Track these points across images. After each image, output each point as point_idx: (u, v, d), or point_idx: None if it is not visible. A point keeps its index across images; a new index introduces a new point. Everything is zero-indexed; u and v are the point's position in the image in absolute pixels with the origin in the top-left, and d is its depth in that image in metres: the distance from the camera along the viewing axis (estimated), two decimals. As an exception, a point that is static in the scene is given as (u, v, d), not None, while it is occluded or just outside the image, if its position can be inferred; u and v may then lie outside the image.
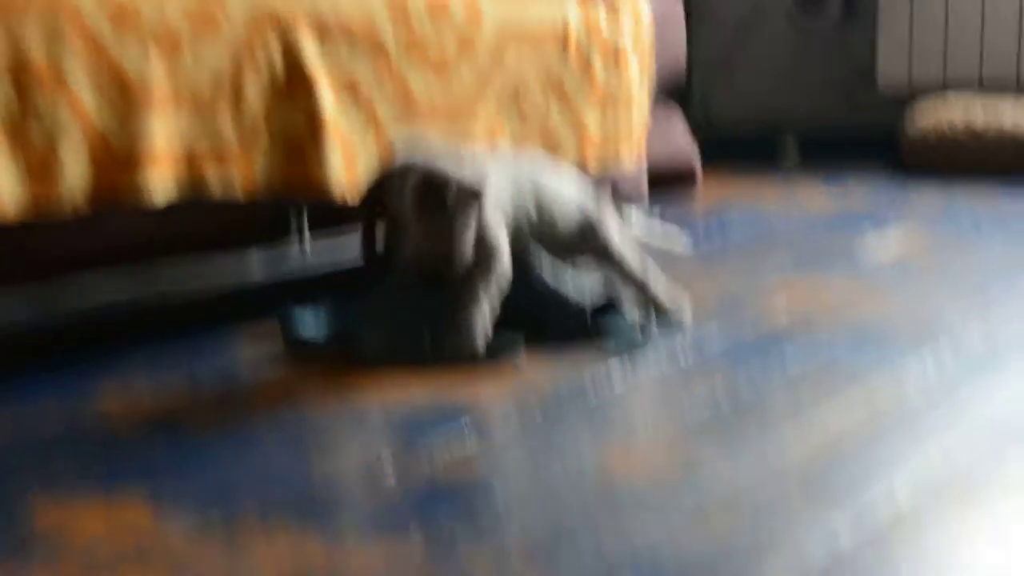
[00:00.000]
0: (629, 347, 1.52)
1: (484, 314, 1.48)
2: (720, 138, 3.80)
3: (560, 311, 1.56)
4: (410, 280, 1.51)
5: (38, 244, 1.43)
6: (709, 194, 2.96)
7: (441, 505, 1.05)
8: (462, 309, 1.48)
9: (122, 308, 1.61)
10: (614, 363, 1.45)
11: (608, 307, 1.59)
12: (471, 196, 1.44)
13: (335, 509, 1.05)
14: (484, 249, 1.49)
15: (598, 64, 2.15)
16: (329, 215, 1.81)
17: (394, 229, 1.49)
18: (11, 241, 1.41)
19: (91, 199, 1.41)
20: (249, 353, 1.57)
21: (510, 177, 1.57)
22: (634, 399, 1.33)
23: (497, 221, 1.52)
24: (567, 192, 1.65)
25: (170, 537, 0.98)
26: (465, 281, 1.49)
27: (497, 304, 1.52)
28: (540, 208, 1.60)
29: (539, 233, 1.60)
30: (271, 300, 1.72)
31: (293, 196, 1.63)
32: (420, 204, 1.43)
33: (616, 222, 1.68)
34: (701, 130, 3.66)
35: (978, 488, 1.03)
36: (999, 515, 0.97)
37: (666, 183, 2.91)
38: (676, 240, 2.07)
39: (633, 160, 2.33)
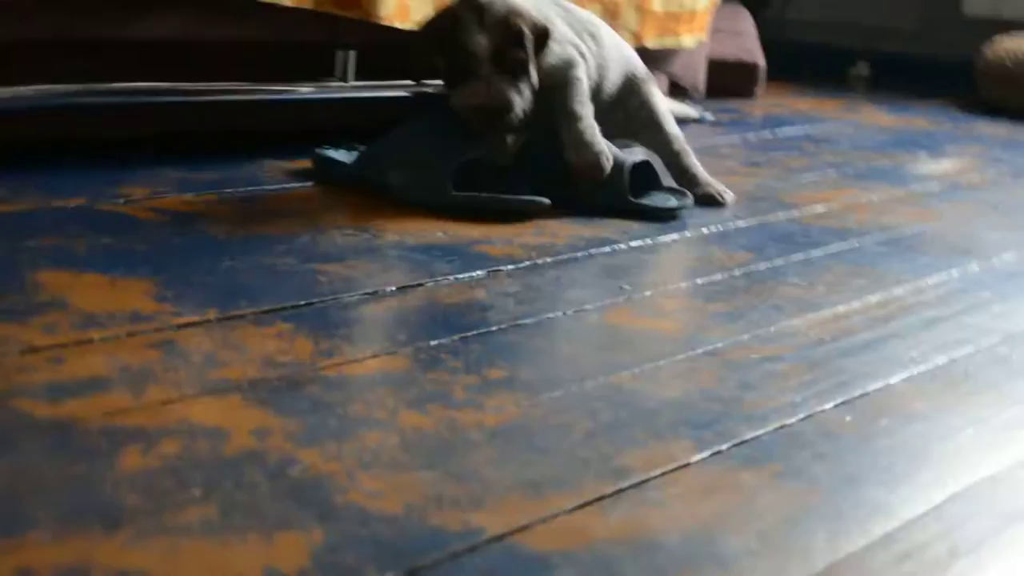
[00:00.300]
0: (661, 211, 1.50)
1: (592, 123, 1.48)
2: (792, 51, 3.72)
3: None
4: (454, 122, 1.49)
5: (85, 29, 1.43)
6: (769, 100, 2.90)
7: (435, 326, 1.05)
8: (570, 127, 1.46)
9: (162, 114, 1.61)
10: (638, 226, 1.44)
11: (646, 173, 1.57)
12: (544, 37, 1.43)
13: (330, 319, 1.05)
14: (561, 67, 1.48)
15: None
16: (375, 63, 1.80)
17: (454, 66, 1.44)
18: (57, 26, 1.41)
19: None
20: (279, 180, 1.58)
21: (568, 21, 1.54)
22: (649, 260, 1.32)
23: (569, 40, 1.51)
24: (620, 46, 1.63)
25: (165, 318, 0.99)
26: (557, 104, 1.47)
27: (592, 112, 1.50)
28: (593, 56, 1.58)
29: (594, 86, 1.57)
30: (309, 137, 1.72)
31: (340, 11, 1.60)
32: (495, 43, 1.40)
33: (660, 92, 1.66)
34: (774, 41, 3.58)
35: (971, 381, 1.01)
36: (983, 405, 0.96)
37: (727, 80, 2.85)
38: (691, 111, 2.04)
39: (693, 43, 2.28)
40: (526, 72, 1.43)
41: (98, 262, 1.12)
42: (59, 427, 0.77)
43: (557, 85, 1.48)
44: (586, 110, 1.48)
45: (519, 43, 1.41)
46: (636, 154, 1.55)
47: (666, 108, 1.69)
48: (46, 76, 1.44)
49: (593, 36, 1.58)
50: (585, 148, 1.46)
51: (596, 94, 1.57)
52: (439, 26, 1.45)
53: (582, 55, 1.53)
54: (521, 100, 1.43)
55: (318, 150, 1.60)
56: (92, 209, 1.31)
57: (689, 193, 1.57)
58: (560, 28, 1.51)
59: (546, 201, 1.44)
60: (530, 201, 1.44)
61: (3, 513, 0.66)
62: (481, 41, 1.40)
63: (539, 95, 1.46)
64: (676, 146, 1.63)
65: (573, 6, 1.62)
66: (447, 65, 1.44)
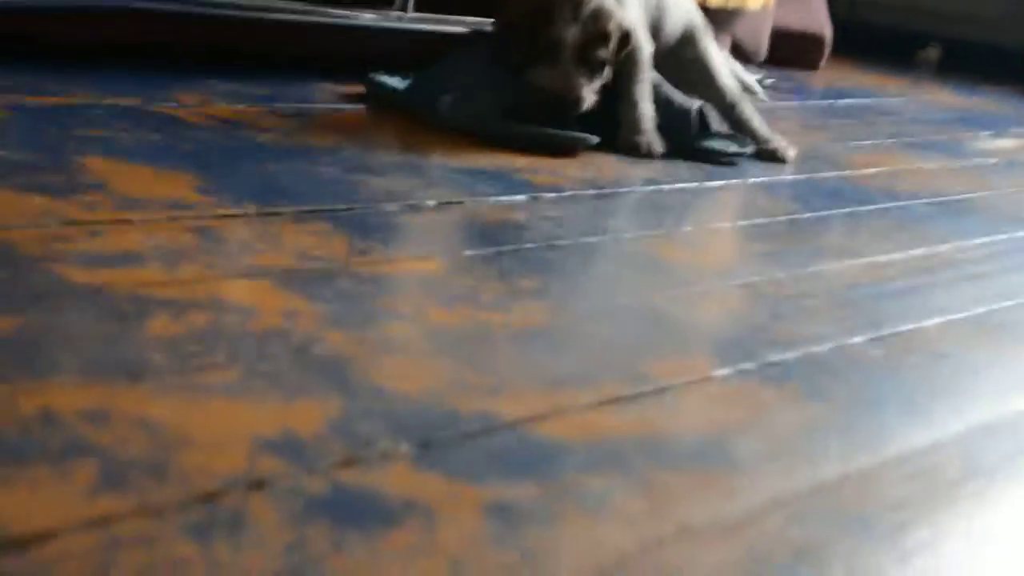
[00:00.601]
0: (722, 155, 1.50)
1: (651, 112, 1.50)
2: (861, 29, 3.67)
3: (665, 110, 1.53)
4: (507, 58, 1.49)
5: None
6: (833, 72, 2.87)
7: (471, 239, 1.05)
8: (629, 111, 1.50)
9: (219, 27, 1.62)
10: (686, 170, 1.43)
11: (705, 121, 1.57)
12: (627, 40, 1.45)
13: (367, 224, 1.06)
14: (632, 51, 1.49)
15: None
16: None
17: (539, 47, 1.44)
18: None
19: None
20: (330, 101, 1.58)
21: None
22: (693, 201, 1.31)
23: (641, 21, 1.52)
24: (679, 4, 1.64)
25: (205, 208, 1.00)
26: (621, 84, 1.49)
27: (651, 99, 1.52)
28: (657, 6, 1.59)
29: (652, 32, 1.58)
30: (364, 64, 1.72)
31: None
32: (582, 37, 1.42)
33: (717, 48, 1.66)
34: (843, 19, 3.54)
35: (1005, 330, 1.00)
36: (1015, 352, 0.95)
37: (791, 50, 2.82)
38: (747, 76, 2.03)
39: (758, 6, 2.26)
40: (602, 71, 1.45)
41: (144, 153, 1.13)
42: (91, 291, 0.78)
43: (624, 64, 1.49)
44: (646, 97, 1.51)
45: (603, 42, 1.44)
46: (694, 101, 1.55)
47: (721, 61, 1.69)
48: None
49: (658, 5, 1.59)
50: (638, 134, 1.49)
51: (654, 38, 1.57)
52: (524, 8, 1.45)
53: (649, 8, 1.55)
54: (591, 96, 1.45)
55: (371, 74, 1.61)
56: (143, 109, 1.32)
57: (750, 140, 1.57)
58: (631, 3, 1.52)
59: (593, 139, 1.44)
60: (577, 137, 1.44)
61: (30, 358, 0.67)
62: (571, 31, 1.42)
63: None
64: (730, 98, 1.63)
65: None
66: (533, 44, 1.44)
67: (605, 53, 1.44)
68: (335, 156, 1.25)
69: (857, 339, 0.91)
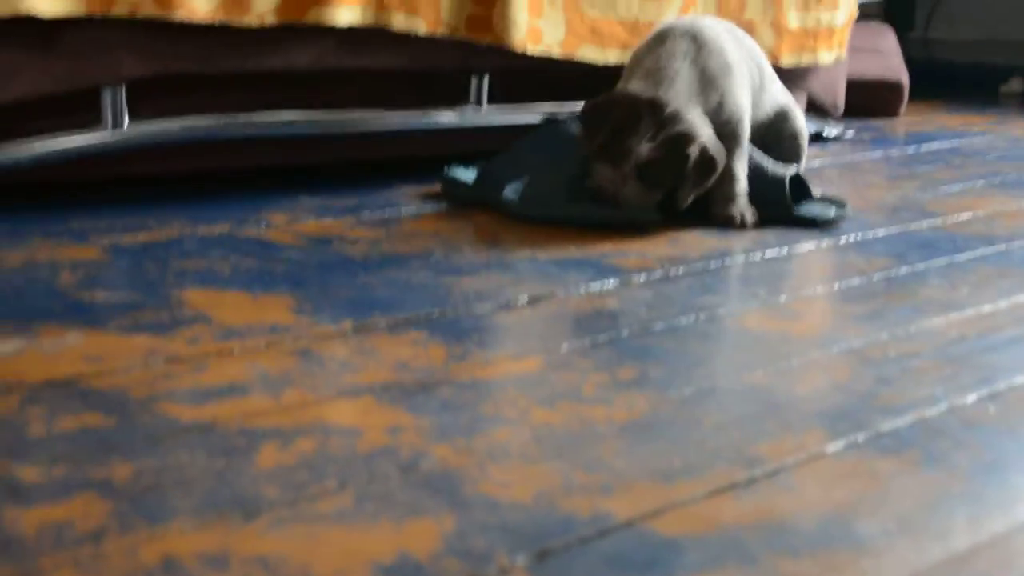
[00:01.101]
0: (822, 221, 1.50)
1: (745, 185, 1.50)
2: (939, 67, 3.63)
3: (759, 180, 1.53)
4: (570, 142, 1.51)
5: (229, 60, 1.48)
6: (914, 118, 2.84)
7: (566, 332, 1.05)
8: (723, 184, 1.49)
9: (301, 145, 1.66)
10: (773, 237, 1.42)
11: (801, 187, 1.57)
12: (710, 170, 1.42)
13: (462, 328, 1.06)
14: (732, 125, 1.49)
15: (802, -47, 2.08)
16: (509, 87, 1.82)
17: (606, 146, 1.43)
18: (198, 60, 1.47)
19: (279, 12, 1.46)
20: (414, 203, 1.61)
21: (741, 56, 1.55)
22: (785, 268, 1.30)
23: (744, 94, 1.51)
24: (774, 78, 1.65)
25: (302, 329, 1.02)
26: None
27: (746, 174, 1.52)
28: (760, 77, 1.59)
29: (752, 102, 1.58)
30: (446, 162, 1.75)
31: (474, 38, 1.63)
32: (653, 153, 1.40)
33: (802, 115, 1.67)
34: (920, 60, 3.51)
35: None
36: None
37: (869, 99, 2.80)
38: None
39: (831, 59, 2.25)
40: (665, 188, 1.43)
41: (239, 281, 1.16)
42: (200, 428, 0.80)
43: (723, 136, 1.47)
44: (743, 171, 1.51)
45: (679, 165, 1.40)
46: (787, 167, 1.56)
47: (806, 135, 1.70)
48: (189, 110, 1.51)
49: (760, 68, 1.59)
50: (733, 207, 1.49)
51: (753, 108, 1.58)
52: (616, 107, 1.42)
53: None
54: (642, 202, 1.43)
55: (446, 170, 1.64)
56: (234, 235, 1.35)
57: (847, 203, 1.57)
58: (738, 75, 1.50)
59: (658, 216, 1.44)
60: (639, 217, 1.44)
61: (149, 505, 0.69)
62: (642, 147, 1.40)
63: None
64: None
65: (744, 35, 1.62)
66: (607, 141, 1.42)
67: (678, 175, 1.41)
68: (424, 261, 1.27)
69: (971, 397, 0.89)
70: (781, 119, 1.65)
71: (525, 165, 1.53)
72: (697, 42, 1.47)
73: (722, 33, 1.52)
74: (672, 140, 1.40)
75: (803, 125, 1.68)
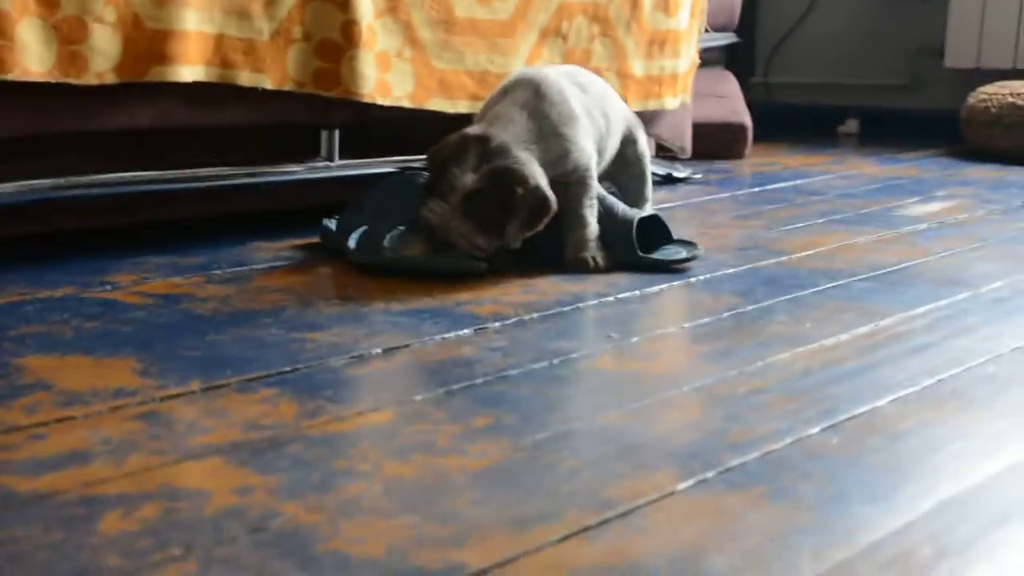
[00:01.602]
0: (672, 264, 1.53)
1: (596, 230, 1.52)
2: (780, 112, 3.76)
3: (610, 223, 1.55)
4: (408, 190, 1.52)
5: (68, 119, 1.45)
6: (759, 159, 2.93)
7: (420, 383, 1.05)
8: (575, 230, 1.51)
9: (148, 203, 1.63)
10: (626, 279, 1.44)
11: (657, 228, 1.60)
12: (541, 211, 1.41)
13: (315, 383, 1.05)
14: (579, 172, 1.50)
15: (646, 1, 2.13)
16: (359, 141, 1.82)
17: (433, 183, 1.43)
18: (38, 122, 1.43)
19: (119, 70, 1.43)
20: (267, 259, 1.59)
21: (585, 104, 1.56)
22: (637, 309, 1.32)
23: (589, 142, 1.52)
24: (622, 109, 1.69)
25: (148, 392, 0.99)
26: (567, 203, 1.49)
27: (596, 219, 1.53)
28: (604, 115, 1.61)
29: (600, 146, 1.60)
30: (299, 216, 1.74)
31: (322, 92, 1.63)
32: (477, 188, 1.39)
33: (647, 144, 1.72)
34: (762, 104, 3.62)
35: (958, 398, 1.01)
36: (970, 420, 0.95)
37: (716, 142, 2.88)
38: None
39: (676, 104, 2.30)
40: (496, 230, 1.41)
41: (82, 345, 1.13)
42: (38, 499, 0.77)
43: (571, 184, 1.49)
44: (593, 215, 1.52)
45: (504, 203, 1.39)
46: (637, 211, 1.58)
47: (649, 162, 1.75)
48: (29, 172, 1.46)
49: (605, 115, 1.61)
50: (583, 251, 1.51)
51: (602, 152, 1.61)
52: (444, 144, 1.43)
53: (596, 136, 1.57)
54: (472, 240, 1.41)
55: (324, 221, 1.64)
56: (78, 297, 1.32)
57: (699, 244, 1.60)
58: (583, 124, 1.52)
59: (483, 265, 1.44)
60: (466, 264, 1.44)
61: (-20, 581, 0.66)
62: (465, 180, 1.39)
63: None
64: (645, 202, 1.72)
65: (590, 79, 1.63)
66: (437, 178, 1.42)
67: (504, 209, 1.39)
68: (276, 317, 1.25)
69: (814, 430, 0.91)
70: (625, 143, 1.69)
71: (369, 214, 1.54)
72: (539, 92, 1.48)
73: (566, 83, 1.54)
74: (495, 172, 1.39)
75: (646, 149, 1.74)
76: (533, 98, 1.48)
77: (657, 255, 1.55)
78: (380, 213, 1.52)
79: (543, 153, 1.45)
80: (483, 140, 1.41)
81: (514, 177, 1.39)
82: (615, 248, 1.53)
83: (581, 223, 1.51)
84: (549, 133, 1.47)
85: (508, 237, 1.42)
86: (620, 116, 1.67)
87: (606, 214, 1.55)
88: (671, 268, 1.52)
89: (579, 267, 1.50)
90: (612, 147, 1.65)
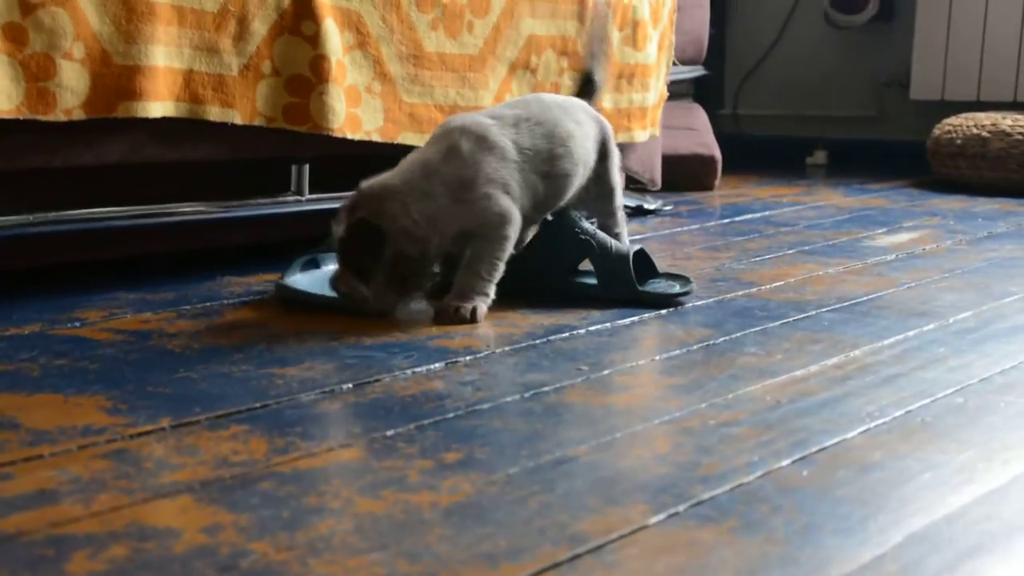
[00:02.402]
0: (666, 298, 1.52)
1: (485, 291, 1.43)
2: (749, 144, 3.79)
3: (603, 259, 1.54)
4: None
5: (36, 156, 1.44)
6: (728, 190, 2.95)
7: (391, 417, 1.04)
8: (466, 281, 1.43)
9: (118, 239, 1.62)
10: (598, 312, 1.45)
11: (646, 263, 1.60)
12: (405, 261, 1.39)
13: (285, 419, 1.05)
14: (489, 228, 1.44)
15: (615, 35, 2.15)
16: (329, 175, 1.82)
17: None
18: (9, 152, 1.42)
19: (87, 106, 1.43)
20: (237, 294, 1.58)
21: (520, 127, 1.51)
22: (608, 342, 1.32)
23: (501, 197, 1.45)
24: (580, 125, 1.59)
25: (117, 430, 0.99)
26: (473, 251, 1.44)
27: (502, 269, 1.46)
28: (553, 146, 1.52)
29: (550, 177, 1.53)
30: (269, 251, 1.73)
31: (291, 127, 1.63)
32: (343, 238, 1.39)
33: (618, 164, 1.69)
34: (731, 136, 3.65)
35: (927, 429, 1.01)
36: (939, 451, 0.96)
37: (685, 174, 2.89)
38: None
39: (646, 137, 2.32)
40: (367, 276, 1.39)
41: (50, 383, 1.12)
42: (5, 540, 0.76)
43: (482, 235, 1.44)
44: (491, 271, 1.44)
45: (364, 249, 1.38)
46: (631, 246, 1.57)
47: (620, 184, 1.73)
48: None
49: (564, 142, 1.53)
50: (465, 300, 1.42)
51: (548, 176, 1.52)
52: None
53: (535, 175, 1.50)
54: (354, 294, 1.40)
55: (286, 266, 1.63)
56: (45, 334, 1.31)
57: (691, 278, 1.59)
58: (497, 175, 1.45)
59: (369, 305, 1.41)
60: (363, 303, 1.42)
61: (-55, 624, 0.65)
62: (338, 231, 1.39)
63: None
64: (617, 227, 1.68)
65: (543, 108, 1.56)
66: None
67: (371, 261, 1.38)
68: (247, 352, 1.24)
69: (784, 462, 0.92)
70: (599, 158, 1.65)
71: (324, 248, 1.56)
72: (450, 149, 1.44)
73: (493, 132, 1.47)
74: (355, 223, 1.37)
75: (614, 168, 1.68)
76: (438, 150, 1.44)
77: (649, 289, 1.54)
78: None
79: (457, 203, 1.42)
80: (358, 191, 1.41)
81: (369, 226, 1.37)
82: (611, 284, 1.53)
83: (476, 275, 1.43)
84: (460, 185, 1.42)
85: (373, 287, 1.38)
86: (587, 136, 1.60)
87: (599, 250, 1.54)
88: (671, 303, 1.51)
89: (442, 316, 1.41)
90: (576, 170, 1.56)
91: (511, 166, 1.47)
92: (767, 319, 1.43)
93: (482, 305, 1.42)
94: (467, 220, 1.43)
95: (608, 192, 1.67)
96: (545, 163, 1.51)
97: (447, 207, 1.41)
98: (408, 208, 1.39)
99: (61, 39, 1.39)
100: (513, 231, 1.45)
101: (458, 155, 1.44)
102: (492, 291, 1.44)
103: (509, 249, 1.46)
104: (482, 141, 1.46)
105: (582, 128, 1.59)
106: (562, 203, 1.59)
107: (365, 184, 1.42)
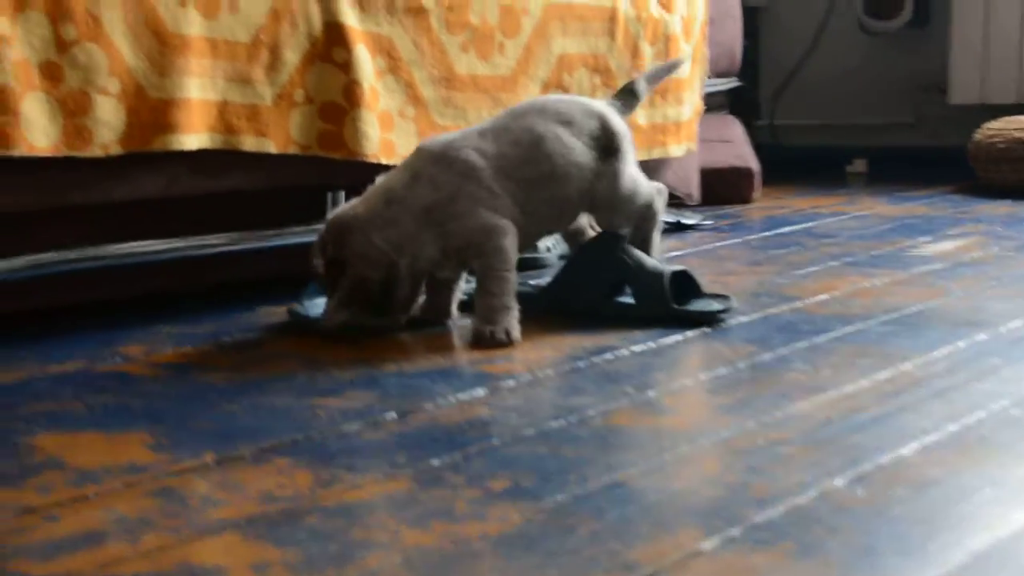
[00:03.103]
0: (705, 317, 1.49)
1: (506, 304, 1.41)
2: (787, 155, 3.76)
3: (639, 276, 1.51)
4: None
5: (74, 192, 1.45)
6: (768, 202, 2.92)
7: (436, 446, 1.03)
8: (483, 303, 1.42)
9: (157, 273, 1.62)
10: (640, 332, 1.43)
11: (687, 283, 1.56)
12: (368, 284, 1.41)
13: (329, 450, 1.04)
14: (472, 249, 1.43)
15: (647, 50, 2.13)
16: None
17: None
18: (43, 197, 1.43)
19: (124, 141, 1.43)
20: (274, 322, 1.58)
21: (486, 136, 1.48)
22: (652, 362, 1.30)
23: (480, 214, 1.42)
24: (567, 125, 1.51)
25: (162, 467, 0.98)
26: (477, 274, 1.44)
27: (514, 288, 1.44)
28: (521, 151, 1.47)
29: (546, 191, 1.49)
30: (300, 277, 1.73)
31: (326, 154, 1.63)
32: (319, 260, 1.44)
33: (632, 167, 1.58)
34: (768, 147, 3.62)
35: (984, 444, 0.99)
36: (998, 466, 0.93)
37: (723, 187, 2.87)
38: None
39: (682, 152, 2.30)
40: (352, 304, 1.42)
41: (94, 420, 1.12)
42: (53, 582, 0.76)
43: (475, 255, 1.43)
44: (503, 286, 1.42)
45: (340, 271, 1.42)
46: (673, 264, 1.55)
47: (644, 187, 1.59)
48: (35, 246, 1.46)
49: (535, 145, 1.47)
50: (487, 324, 1.40)
51: (535, 184, 1.48)
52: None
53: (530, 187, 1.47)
54: (344, 317, 1.43)
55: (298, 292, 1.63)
56: (88, 371, 1.31)
57: (731, 296, 1.55)
58: (474, 197, 1.43)
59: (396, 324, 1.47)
60: (383, 327, 1.46)
61: (-7, 672, 0.64)
62: (315, 262, 1.44)
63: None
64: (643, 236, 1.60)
65: (525, 107, 1.53)
66: None
67: (345, 283, 1.42)
68: (288, 383, 1.24)
69: (838, 481, 0.90)
70: (604, 154, 1.53)
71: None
72: (416, 170, 1.44)
73: (454, 147, 1.45)
74: (322, 243, 1.44)
75: (628, 160, 1.56)
76: (408, 175, 1.44)
77: (688, 306, 1.52)
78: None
79: (417, 232, 1.42)
80: (325, 222, 1.45)
81: (339, 241, 1.42)
82: (646, 302, 1.51)
83: (489, 293, 1.41)
84: (420, 212, 1.42)
85: (328, 305, 1.44)
86: (576, 136, 1.50)
87: (635, 267, 1.52)
88: (709, 322, 1.49)
89: (479, 341, 1.40)
90: (557, 172, 1.48)
91: (477, 177, 1.44)
92: (813, 334, 1.41)
93: (511, 320, 1.41)
94: (448, 241, 1.43)
95: (613, 192, 1.54)
96: (517, 169, 1.46)
97: (415, 233, 1.42)
98: (370, 236, 1.41)
99: (96, 75, 1.40)
100: (504, 240, 1.43)
101: (420, 180, 1.44)
102: (512, 303, 1.42)
103: (511, 259, 1.44)
104: (442, 160, 1.45)
105: (570, 128, 1.51)
106: (567, 206, 1.53)
107: (331, 215, 1.46)
